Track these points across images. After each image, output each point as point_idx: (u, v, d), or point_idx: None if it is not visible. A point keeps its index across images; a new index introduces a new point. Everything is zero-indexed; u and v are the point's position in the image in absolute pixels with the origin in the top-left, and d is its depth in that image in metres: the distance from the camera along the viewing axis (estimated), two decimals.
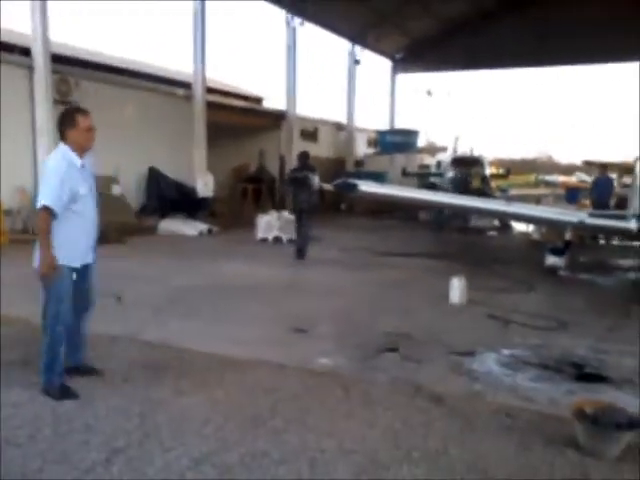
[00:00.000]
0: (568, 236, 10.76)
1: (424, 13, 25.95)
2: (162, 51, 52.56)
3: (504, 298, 8.64)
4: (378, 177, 20.12)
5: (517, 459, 3.83)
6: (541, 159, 48.86)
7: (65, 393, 4.54)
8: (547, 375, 5.40)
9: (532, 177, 31.72)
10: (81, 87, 14.76)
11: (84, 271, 4.77)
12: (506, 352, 6.02)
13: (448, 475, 3.61)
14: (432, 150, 29.47)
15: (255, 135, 23.16)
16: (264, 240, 14.49)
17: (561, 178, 32.26)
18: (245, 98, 25.19)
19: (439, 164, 22.74)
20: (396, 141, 26.95)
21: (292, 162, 21.99)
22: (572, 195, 21.77)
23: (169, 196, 16.80)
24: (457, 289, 8.22)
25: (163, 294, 8.37)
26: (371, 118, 31.08)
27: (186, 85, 18.49)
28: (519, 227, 18.35)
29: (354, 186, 9.70)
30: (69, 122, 4.61)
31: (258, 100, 26.67)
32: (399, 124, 31.20)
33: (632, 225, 9.88)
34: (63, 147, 4.60)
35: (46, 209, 4.38)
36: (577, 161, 34.85)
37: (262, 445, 3.90)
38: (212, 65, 21.65)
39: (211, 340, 6.20)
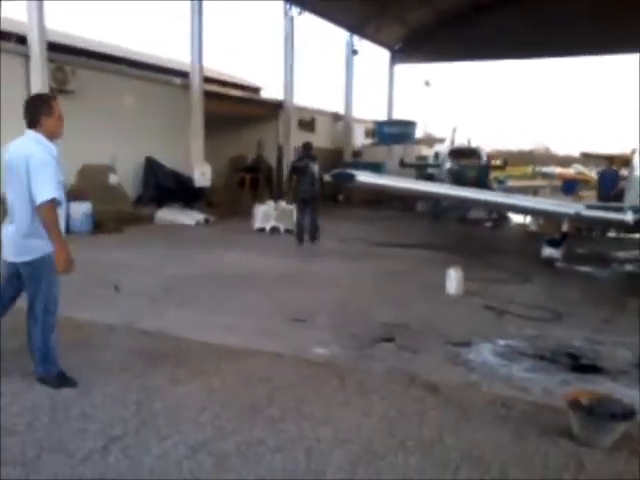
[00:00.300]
0: (565, 228, 10.79)
1: (423, 3, 25.86)
2: (159, 40, 52.19)
3: (500, 289, 8.67)
4: (376, 168, 20.08)
5: (512, 448, 3.86)
6: (538, 150, 48.85)
7: (64, 381, 4.56)
8: (542, 366, 5.43)
9: (529, 169, 31.72)
10: (78, 75, 14.65)
11: None
12: (502, 343, 6.05)
13: (443, 464, 3.63)
14: (430, 141, 29.42)
15: (253, 125, 23.10)
16: (261, 230, 14.49)
17: (558, 170, 32.25)
18: (243, 88, 25.11)
19: (437, 155, 22.71)
20: (394, 132, 26.90)
21: (290, 152, 22.01)
22: (569, 187, 21.80)
23: (166, 185, 16.75)
24: (454, 280, 8.24)
25: (160, 283, 8.37)
26: (369, 109, 31.03)
27: (183, 74, 18.41)
28: (516, 219, 18.37)
29: (352, 176, 9.71)
30: (46, 109, 4.43)
31: (256, 90, 26.60)
32: (397, 115, 31.14)
33: (628, 217, 9.90)
34: (36, 135, 4.39)
35: (53, 201, 4.25)
36: (575, 153, 34.89)
37: (258, 433, 3.92)
38: (210, 54, 21.60)
39: (207, 329, 6.21)
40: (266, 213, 14.81)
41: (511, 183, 22.57)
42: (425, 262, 10.83)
